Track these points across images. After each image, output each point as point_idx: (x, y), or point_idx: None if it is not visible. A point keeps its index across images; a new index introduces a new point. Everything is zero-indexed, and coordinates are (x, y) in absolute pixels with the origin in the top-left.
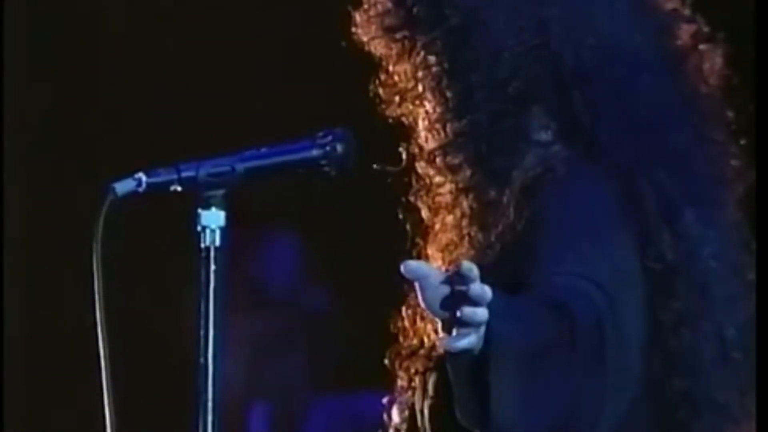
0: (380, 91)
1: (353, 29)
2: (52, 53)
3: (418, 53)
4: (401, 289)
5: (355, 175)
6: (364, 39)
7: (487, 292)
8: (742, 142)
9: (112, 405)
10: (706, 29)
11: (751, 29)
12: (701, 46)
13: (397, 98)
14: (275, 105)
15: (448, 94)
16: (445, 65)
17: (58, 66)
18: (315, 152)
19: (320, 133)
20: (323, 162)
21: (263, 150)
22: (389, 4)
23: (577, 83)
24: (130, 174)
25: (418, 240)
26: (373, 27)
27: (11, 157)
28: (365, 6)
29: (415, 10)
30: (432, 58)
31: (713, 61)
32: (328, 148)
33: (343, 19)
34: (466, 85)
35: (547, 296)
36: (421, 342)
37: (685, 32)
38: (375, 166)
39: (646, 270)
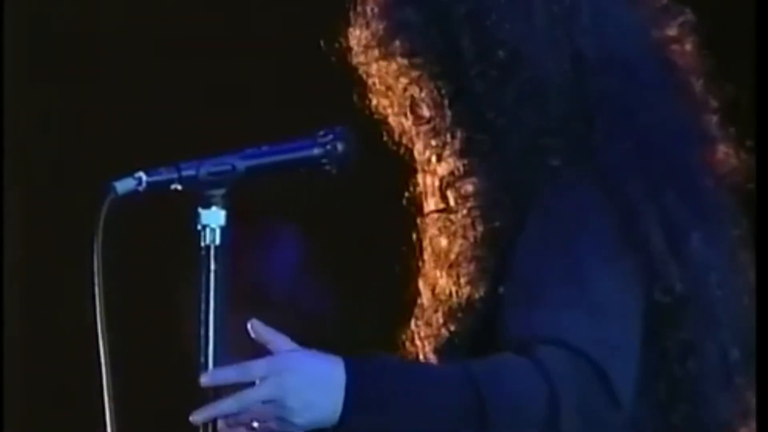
0: (381, 110)
1: (348, 49)
2: (52, 53)
3: (451, 84)
4: (400, 289)
5: (355, 174)
6: (363, 61)
7: (216, 378)
8: (748, 143)
9: (113, 404)
10: (691, 17)
11: (750, 29)
12: (689, 38)
13: (423, 128)
14: (276, 103)
15: (489, 127)
16: (488, 100)
17: (58, 66)
18: (316, 151)
19: (321, 132)
20: (324, 161)
21: (264, 148)
22: (401, 28)
23: (600, 111)
24: (130, 173)
25: (429, 263)
26: (380, 50)
27: (11, 157)
28: (364, 29)
29: (438, 37)
30: (472, 92)
31: (694, 46)
32: (329, 146)
33: (344, 18)
34: (510, 119)
35: (465, 369)
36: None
37: (674, 25)
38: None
39: (653, 302)
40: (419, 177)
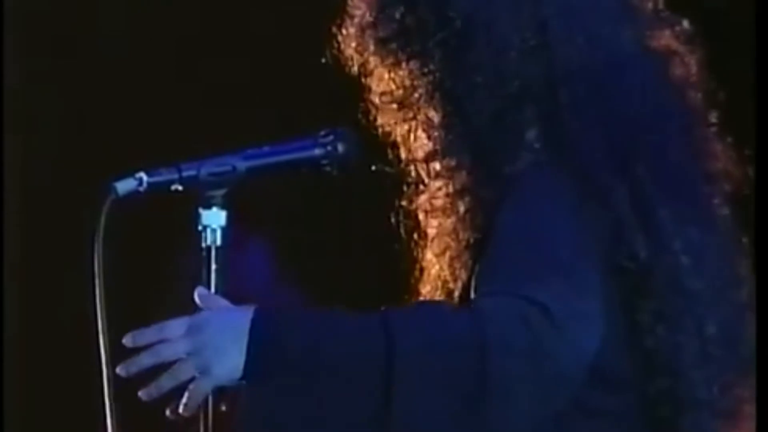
0: (371, 100)
1: (337, 43)
2: (52, 52)
3: (414, 59)
4: (400, 286)
5: (350, 175)
6: (351, 51)
7: (137, 338)
8: (745, 149)
9: (113, 405)
10: (688, 28)
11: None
12: (683, 47)
13: (390, 106)
14: (278, 104)
15: (450, 96)
16: (447, 68)
17: (59, 66)
18: (317, 151)
19: (322, 133)
20: (325, 162)
21: (265, 149)
22: (378, 16)
23: (566, 82)
24: (131, 173)
25: (414, 245)
26: (364, 39)
27: (11, 157)
28: (350, 20)
29: (410, 17)
30: (432, 63)
31: (694, 60)
32: (329, 147)
33: (339, 24)
34: (468, 86)
35: (380, 315)
36: None
37: (669, 32)
38: (373, 167)
39: (620, 270)
40: (412, 169)
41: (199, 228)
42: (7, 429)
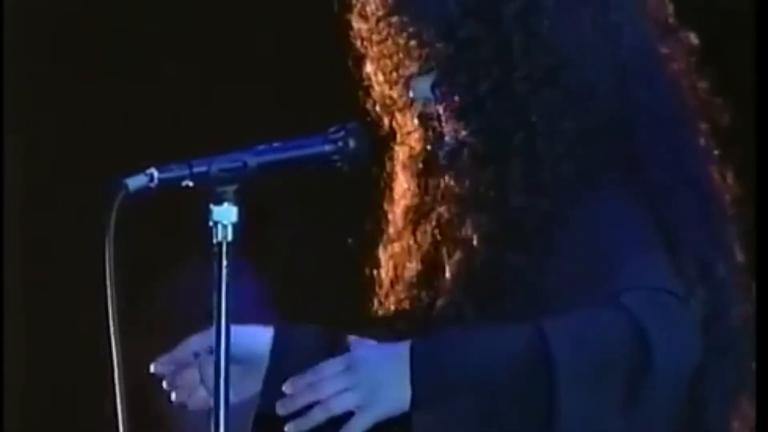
0: (367, 78)
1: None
2: (52, 52)
3: (488, 84)
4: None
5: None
6: (370, 27)
7: (297, 386)
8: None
9: (125, 403)
10: (694, 40)
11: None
12: (689, 59)
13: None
14: (289, 100)
15: (528, 128)
16: (530, 103)
17: (65, 61)
18: (327, 147)
19: (332, 128)
20: (335, 157)
21: (275, 145)
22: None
23: (640, 120)
24: (141, 170)
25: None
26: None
27: (11, 156)
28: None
29: (492, 40)
30: (514, 95)
31: (694, 73)
32: (340, 143)
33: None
34: (550, 122)
35: (533, 325)
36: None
37: (676, 45)
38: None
39: None
40: (397, 148)
41: (210, 224)
42: (7, 429)
